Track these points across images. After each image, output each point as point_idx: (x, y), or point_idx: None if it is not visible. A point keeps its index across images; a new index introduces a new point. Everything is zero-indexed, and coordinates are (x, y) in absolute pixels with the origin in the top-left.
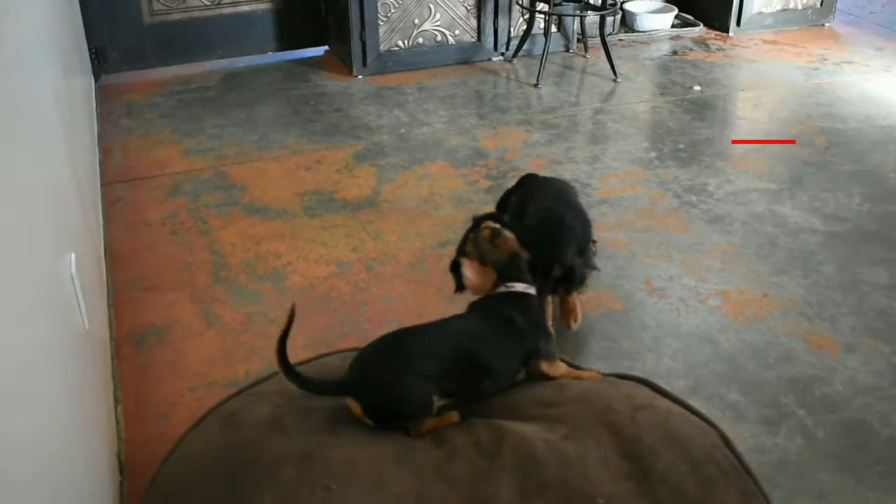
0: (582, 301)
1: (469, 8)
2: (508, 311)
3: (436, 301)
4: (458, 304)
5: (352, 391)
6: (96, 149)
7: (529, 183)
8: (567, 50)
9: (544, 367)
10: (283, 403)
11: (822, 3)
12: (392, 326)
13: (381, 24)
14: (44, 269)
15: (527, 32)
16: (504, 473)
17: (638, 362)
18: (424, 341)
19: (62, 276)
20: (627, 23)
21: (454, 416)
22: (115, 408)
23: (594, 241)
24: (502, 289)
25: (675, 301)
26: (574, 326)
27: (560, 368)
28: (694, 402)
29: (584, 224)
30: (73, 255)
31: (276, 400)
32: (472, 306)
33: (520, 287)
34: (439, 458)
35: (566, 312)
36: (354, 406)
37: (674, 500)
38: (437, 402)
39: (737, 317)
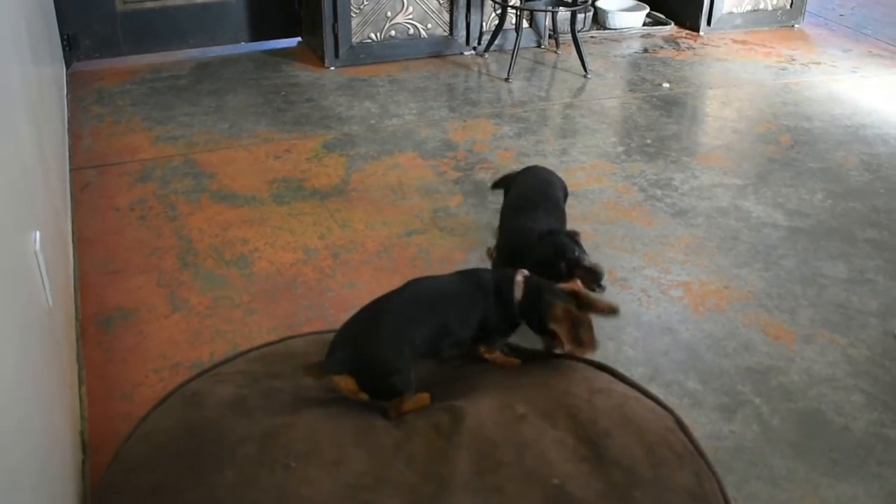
0: None
1: (441, 2)
2: (492, 286)
3: None
4: None
5: (347, 369)
6: (66, 134)
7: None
8: (538, 45)
9: (482, 349)
10: (245, 384)
11: (791, 5)
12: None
13: (354, 16)
14: (6, 245)
15: (498, 27)
16: (461, 452)
17: (598, 350)
18: (406, 307)
19: (26, 252)
20: (599, 20)
21: (426, 396)
22: (80, 387)
23: None
24: (519, 277)
25: (637, 291)
26: None
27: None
28: (652, 389)
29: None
30: (37, 233)
31: (239, 381)
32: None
33: (519, 278)
34: (398, 438)
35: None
36: (345, 382)
37: (627, 481)
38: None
39: (697, 308)
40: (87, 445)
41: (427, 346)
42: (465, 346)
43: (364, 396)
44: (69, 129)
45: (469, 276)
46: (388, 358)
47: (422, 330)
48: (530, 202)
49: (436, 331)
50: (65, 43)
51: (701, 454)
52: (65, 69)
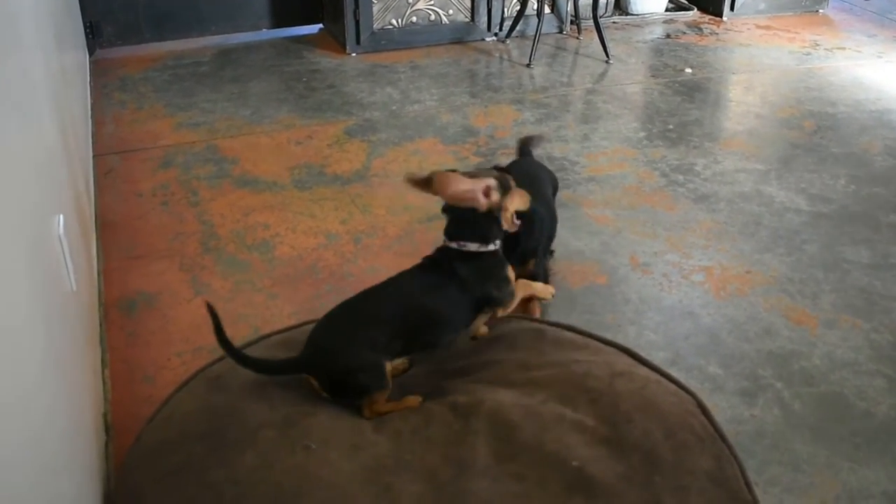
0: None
1: None
2: (454, 265)
3: None
4: None
5: (305, 368)
6: (89, 121)
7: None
8: (560, 31)
9: (500, 313)
10: None
11: None
12: None
13: (375, 2)
14: (31, 228)
15: (520, 13)
16: (480, 436)
17: (619, 334)
18: (370, 308)
19: (50, 236)
20: (621, 6)
21: (414, 400)
22: (103, 370)
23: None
24: (454, 246)
25: (659, 276)
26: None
27: (515, 301)
28: (673, 373)
29: (553, 221)
30: (61, 217)
31: None
32: (424, 260)
33: (472, 247)
34: (417, 422)
35: None
36: (312, 381)
37: (647, 465)
38: (389, 366)
39: (719, 292)
40: (111, 427)
41: (407, 341)
42: (458, 329)
43: (326, 395)
44: (92, 116)
45: (431, 265)
46: (340, 354)
47: (389, 328)
48: None
49: (414, 326)
50: (87, 30)
51: (722, 438)
52: (88, 56)
